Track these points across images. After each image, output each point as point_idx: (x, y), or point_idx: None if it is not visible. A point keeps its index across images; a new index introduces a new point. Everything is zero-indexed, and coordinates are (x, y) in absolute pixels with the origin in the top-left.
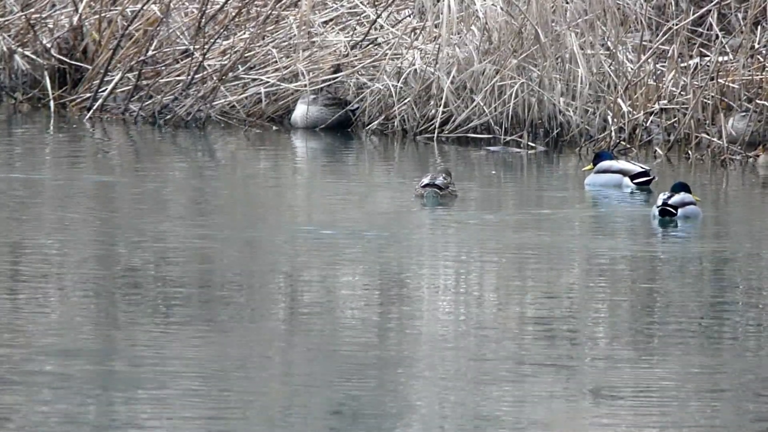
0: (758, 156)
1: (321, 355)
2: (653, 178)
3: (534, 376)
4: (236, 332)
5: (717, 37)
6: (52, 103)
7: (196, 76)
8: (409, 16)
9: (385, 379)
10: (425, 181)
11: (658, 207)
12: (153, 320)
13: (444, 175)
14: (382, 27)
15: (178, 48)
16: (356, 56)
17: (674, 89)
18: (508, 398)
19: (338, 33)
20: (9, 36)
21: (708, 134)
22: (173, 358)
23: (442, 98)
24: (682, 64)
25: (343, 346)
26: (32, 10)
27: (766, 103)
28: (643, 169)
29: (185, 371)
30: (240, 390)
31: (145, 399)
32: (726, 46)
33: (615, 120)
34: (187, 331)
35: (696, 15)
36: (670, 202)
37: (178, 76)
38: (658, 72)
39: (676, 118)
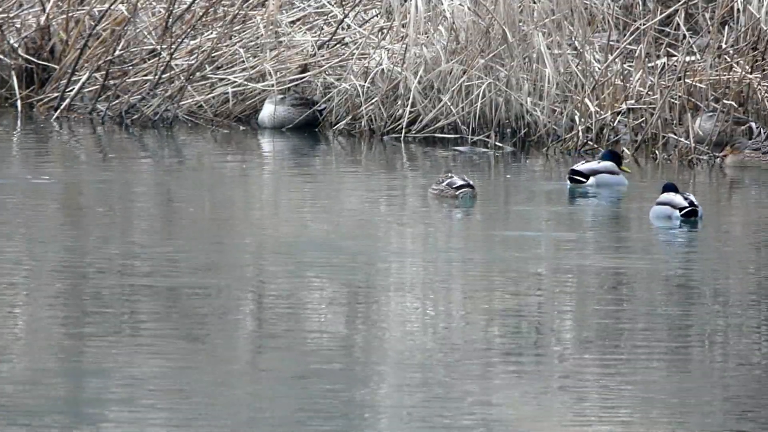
0: (726, 156)
1: (291, 371)
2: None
3: (503, 384)
4: (205, 346)
5: (684, 37)
6: (19, 103)
7: (164, 76)
8: (377, 15)
9: (354, 397)
10: (458, 182)
11: (682, 209)
12: (119, 336)
13: (464, 175)
14: (349, 27)
15: (145, 48)
16: (323, 56)
17: (641, 89)
18: (476, 406)
19: (305, 33)
20: None
21: (675, 134)
22: (141, 375)
23: (409, 98)
24: (650, 64)
25: (314, 360)
26: None
27: (733, 103)
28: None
29: (154, 388)
30: (209, 405)
31: (115, 418)
32: (693, 46)
33: (582, 120)
34: (154, 347)
35: (663, 15)
36: (695, 201)
37: (146, 75)
38: (626, 72)
39: (644, 118)
